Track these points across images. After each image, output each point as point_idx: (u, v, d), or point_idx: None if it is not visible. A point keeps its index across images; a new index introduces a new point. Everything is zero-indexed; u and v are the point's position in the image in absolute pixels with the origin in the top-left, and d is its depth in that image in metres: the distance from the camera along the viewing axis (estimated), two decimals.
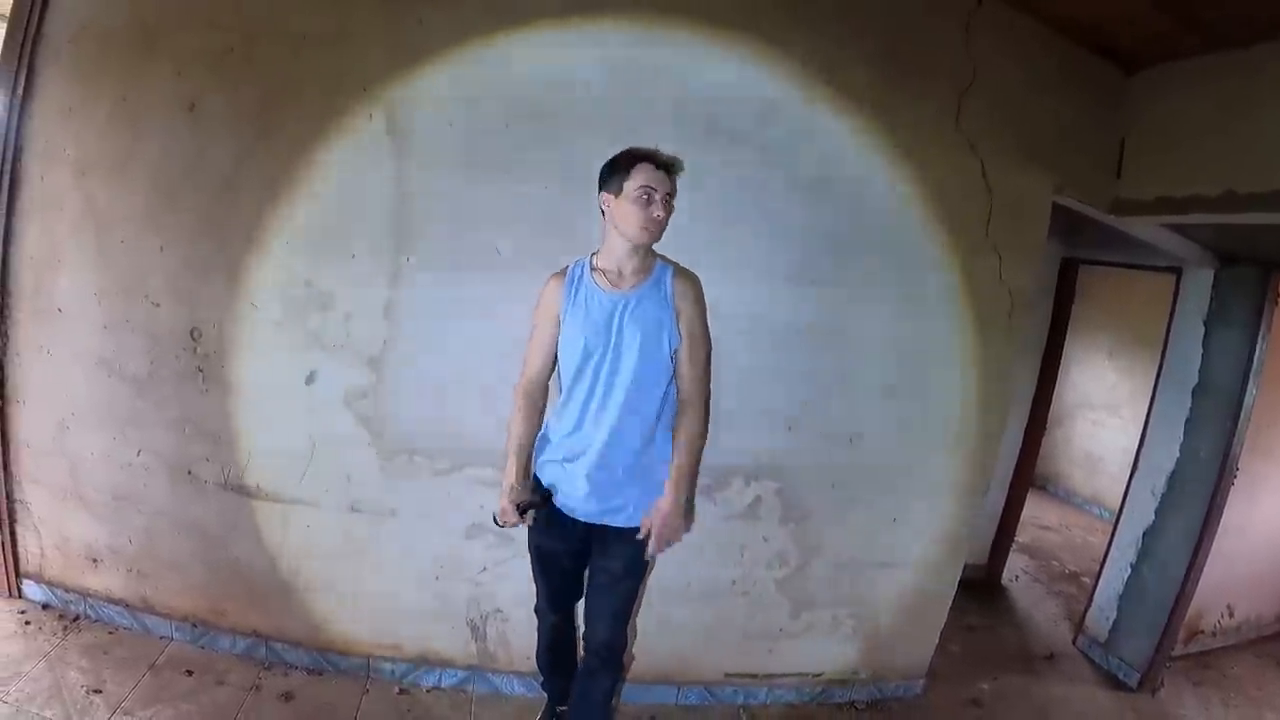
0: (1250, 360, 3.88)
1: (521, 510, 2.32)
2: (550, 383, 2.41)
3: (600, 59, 2.59)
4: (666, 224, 2.24)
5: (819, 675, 3.31)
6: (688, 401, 2.37)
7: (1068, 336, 5.21)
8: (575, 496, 2.31)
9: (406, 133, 2.55)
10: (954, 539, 3.37)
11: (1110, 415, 7.29)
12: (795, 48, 2.70)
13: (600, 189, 2.26)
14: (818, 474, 3.05)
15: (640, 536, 2.32)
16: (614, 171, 2.23)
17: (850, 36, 2.77)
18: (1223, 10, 2.74)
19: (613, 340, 2.24)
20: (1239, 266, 3.94)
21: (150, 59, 2.54)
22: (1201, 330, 4.10)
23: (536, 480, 2.39)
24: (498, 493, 2.33)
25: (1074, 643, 4.46)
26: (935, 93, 2.92)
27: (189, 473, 2.74)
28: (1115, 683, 4.10)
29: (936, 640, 3.51)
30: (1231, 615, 4.74)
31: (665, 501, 2.33)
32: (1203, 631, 4.50)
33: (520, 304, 2.43)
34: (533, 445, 2.39)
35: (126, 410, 2.72)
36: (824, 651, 3.27)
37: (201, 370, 2.65)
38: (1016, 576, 5.36)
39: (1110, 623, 4.30)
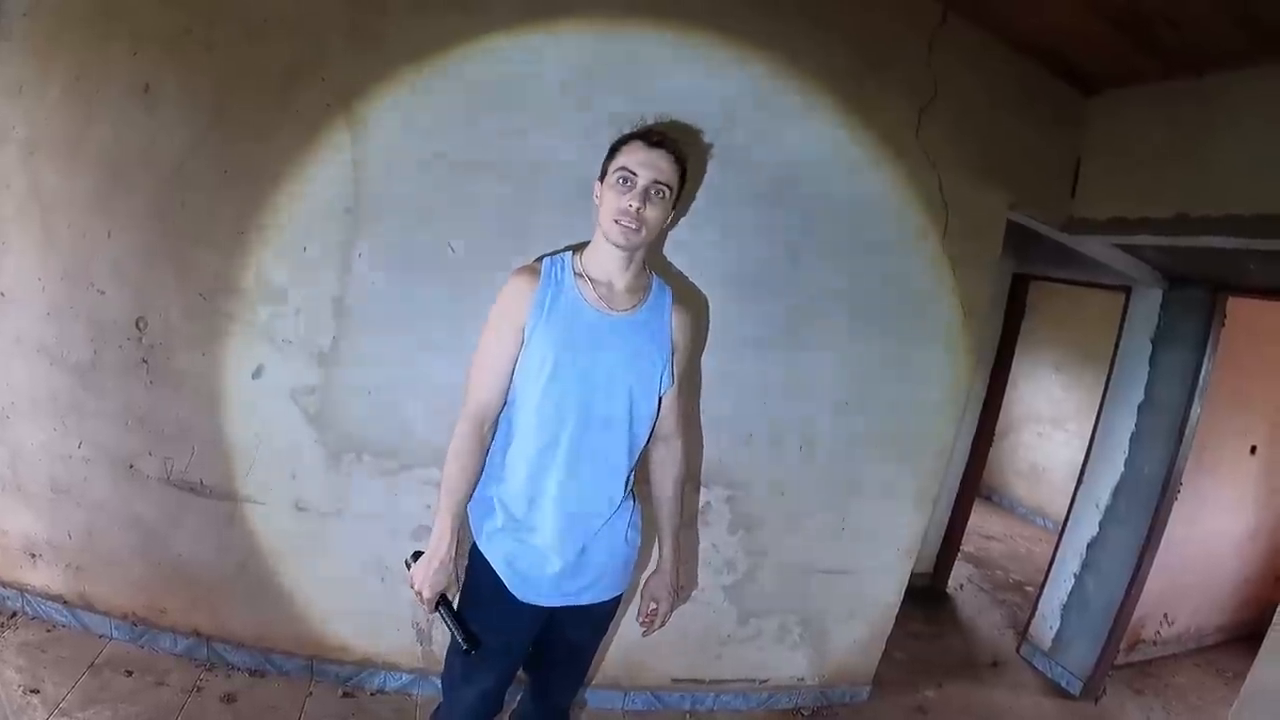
0: (1196, 379, 3.87)
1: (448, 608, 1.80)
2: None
3: (563, 57, 2.47)
4: (655, 226, 1.77)
5: (765, 681, 3.23)
6: (671, 436, 2.00)
7: (1016, 350, 5.20)
8: (542, 579, 1.80)
9: (364, 125, 2.39)
10: (902, 547, 3.31)
11: (1055, 428, 7.33)
12: (760, 54, 2.62)
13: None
14: (768, 482, 2.96)
15: (641, 624, 2.07)
16: (610, 152, 1.83)
17: (814, 46, 2.68)
18: (1180, 36, 2.70)
19: (595, 371, 1.76)
20: (1187, 288, 3.93)
21: (107, 37, 2.37)
22: (1149, 349, 4.10)
23: (476, 555, 1.86)
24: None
25: (1018, 650, 4.44)
26: (896, 106, 2.84)
27: (131, 467, 2.58)
28: (1058, 690, 4.09)
29: (883, 647, 3.45)
30: (1170, 624, 4.75)
31: (669, 578, 2.03)
32: (1144, 640, 4.51)
33: (474, 304, 2.29)
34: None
35: (68, 400, 2.55)
36: (771, 658, 3.19)
37: (146, 361, 2.49)
38: (962, 585, 5.33)
39: (1054, 631, 4.29)
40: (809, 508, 3.05)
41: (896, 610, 3.42)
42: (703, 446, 2.85)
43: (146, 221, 2.43)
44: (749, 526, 2.97)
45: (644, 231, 1.75)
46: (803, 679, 3.29)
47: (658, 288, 1.93)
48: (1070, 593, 4.26)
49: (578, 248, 1.90)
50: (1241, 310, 3.93)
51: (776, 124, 2.67)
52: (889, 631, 3.44)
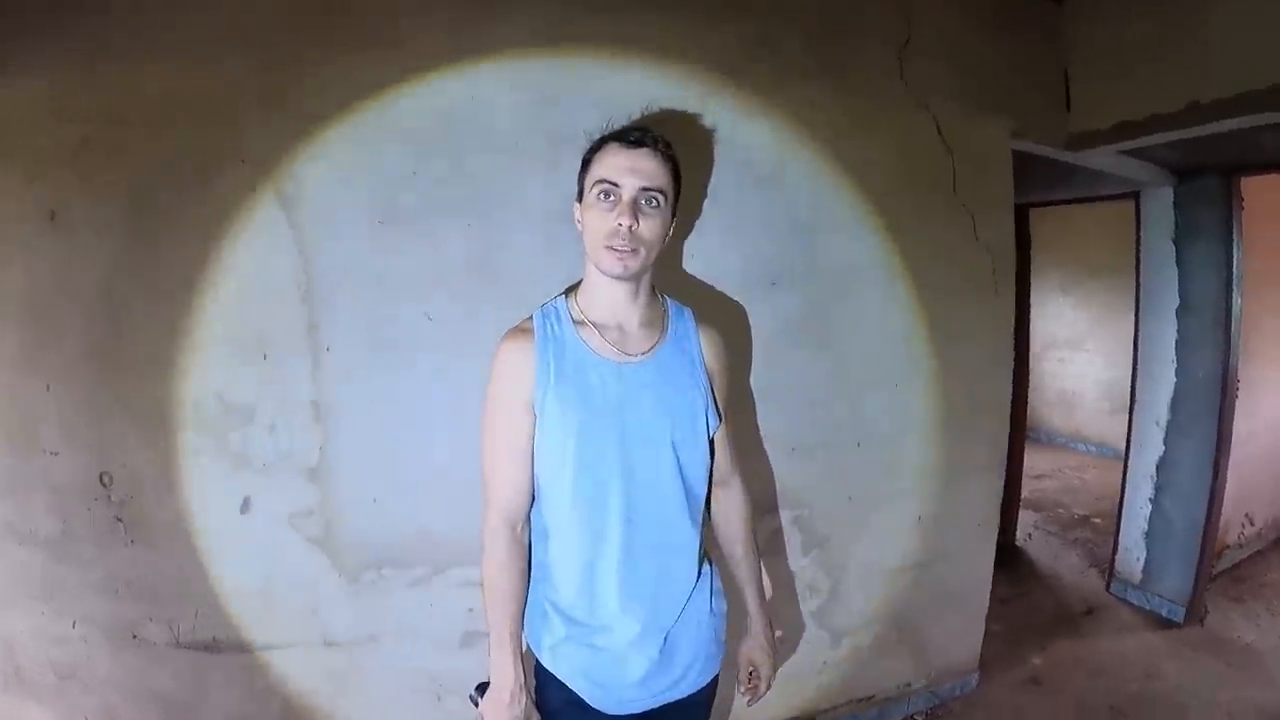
0: (1229, 269, 3.53)
1: None
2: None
3: (509, 85, 2.07)
4: (655, 242, 1.39)
5: (871, 698, 2.81)
6: (728, 477, 1.63)
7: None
8: (626, 684, 1.44)
9: (299, 200, 1.96)
10: (982, 522, 2.92)
11: (1075, 350, 6.98)
12: (724, 27, 2.24)
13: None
14: (831, 490, 2.55)
15: (744, 694, 1.70)
16: (582, 166, 1.46)
17: (778, 7, 2.31)
18: None
19: (630, 435, 1.39)
20: (1198, 178, 3.58)
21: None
22: (1172, 250, 3.75)
23: (542, 672, 1.48)
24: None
25: (1108, 589, 4.05)
26: (875, 55, 2.47)
27: (134, 637, 2.15)
28: (1161, 621, 3.71)
29: (983, 629, 3.05)
30: (1252, 523, 4.40)
31: (763, 637, 1.66)
32: (1229, 546, 4.16)
33: (465, 373, 1.90)
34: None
35: (48, 578, 2.12)
36: (873, 672, 2.77)
37: (120, 520, 2.07)
38: (1030, 534, 4.91)
39: (1141, 563, 3.91)
40: (878, 506, 2.64)
41: (989, 588, 3.02)
42: (773, 473, 2.46)
43: (83, 364, 2.00)
44: (821, 542, 2.55)
45: (642, 252, 1.38)
46: (909, 684, 2.88)
47: (675, 313, 1.55)
48: (1150, 519, 3.88)
49: (570, 290, 1.51)
50: (1251, 189, 3.58)
51: (761, 100, 2.28)
52: (985, 612, 3.03)
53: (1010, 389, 2.90)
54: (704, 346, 1.54)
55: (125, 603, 2.14)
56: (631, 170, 1.36)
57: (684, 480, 1.45)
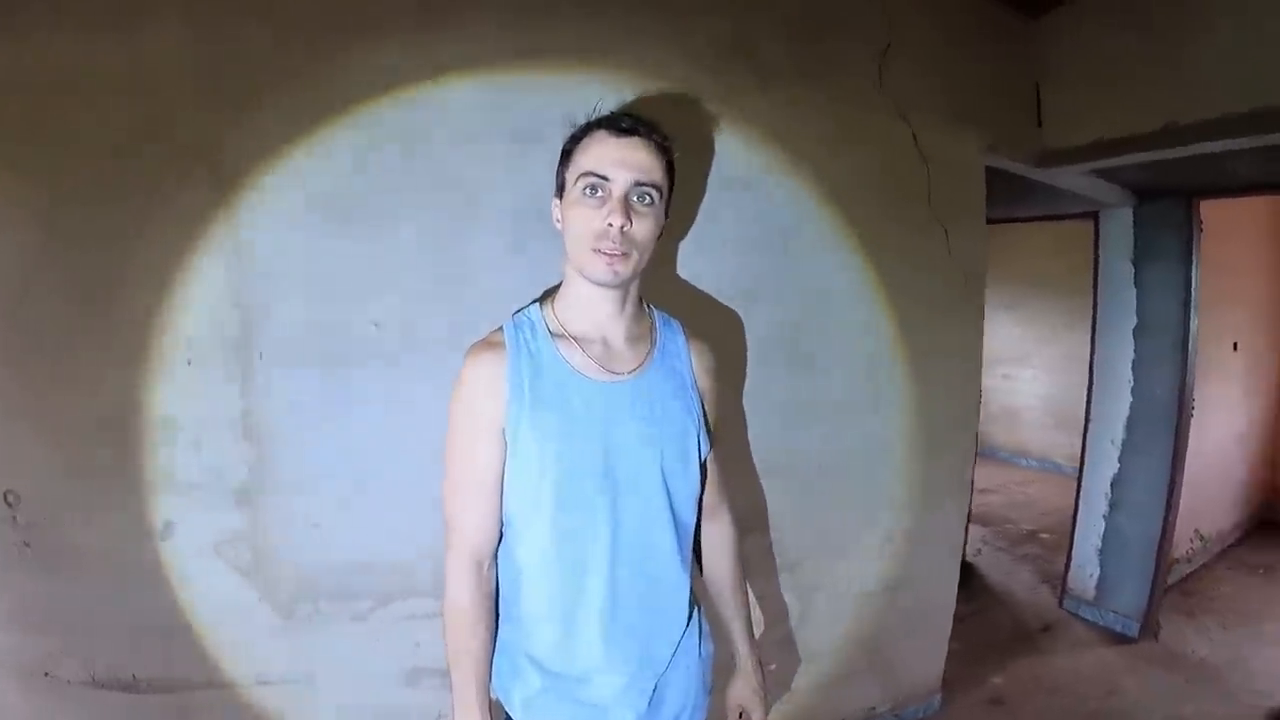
0: (1188, 290, 3.49)
1: None
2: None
3: (471, 76, 1.86)
4: (647, 245, 1.21)
5: None
6: (717, 507, 1.47)
7: None
8: None
9: (235, 191, 1.71)
10: (949, 543, 2.81)
11: (1020, 367, 7.02)
12: (696, 33, 2.07)
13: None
14: (803, 513, 2.39)
15: None
16: (561, 158, 1.26)
17: (757, 9, 2.15)
18: None
19: (616, 464, 1.21)
20: (1160, 200, 3.52)
21: None
22: (1131, 270, 3.70)
23: None
24: (438, 627, 1.53)
25: (1061, 605, 3.99)
26: (856, 61, 2.33)
27: (46, 674, 1.89)
28: (1116, 637, 3.66)
29: (945, 651, 2.93)
30: (1201, 538, 4.42)
31: (755, 680, 1.49)
32: (1178, 561, 4.14)
33: (415, 390, 1.74)
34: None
35: None
36: (839, 696, 2.62)
37: (29, 545, 1.80)
38: (979, 550, 4.83)
39: (1095, 579, 3.85)
40: (849, 528, 2.50)
41: (953, 609, 2.90)
42: (764, 496, 2.30)
43: None
44: (792, 566, 2.39)
45: (634, 256, 1.20)
46: (874, 708, 2.74)
47: (664, 326, 1.37)
48: (1104, 535, 3.83)
49: (545, 298, 1.32)
50: (1208, 212, 3.55)
51: (737, 99, 2.12)
52: (949, 632, 2.92)
53: (977, 414, 2.81)
54: (695, 363, 1.37)
55: (35, 637, 1.88)
56: (622, 162, 1.17)
57: (674, 513, 1.27)
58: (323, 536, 1.85)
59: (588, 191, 1.18)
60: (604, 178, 1.17)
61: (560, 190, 1.26)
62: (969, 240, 2.67)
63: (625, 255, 1.18)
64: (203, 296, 1.73)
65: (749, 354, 2.21)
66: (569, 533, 1.20)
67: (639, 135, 1.20)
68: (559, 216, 1.26)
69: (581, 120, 1.26)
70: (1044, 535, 5.11)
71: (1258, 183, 3.26)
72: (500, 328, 1.27)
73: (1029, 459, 6.93)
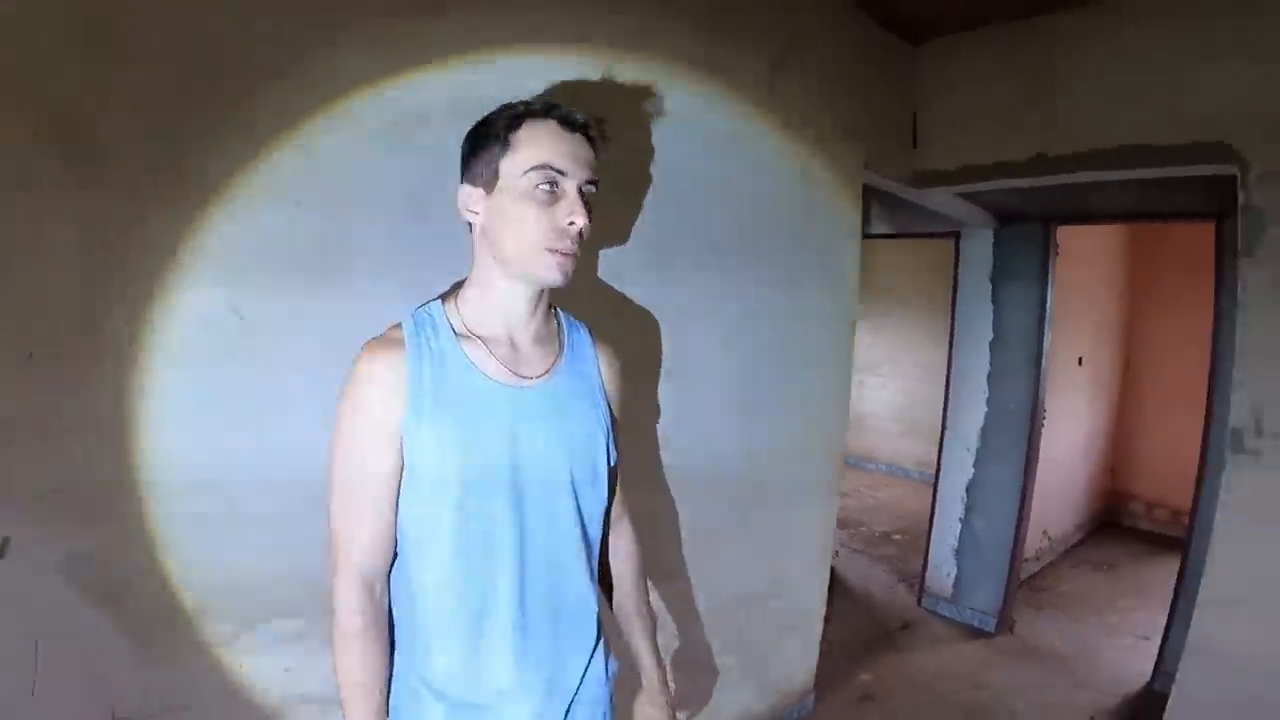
0: (1043, 308, 3.73)
1: None
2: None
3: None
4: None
5: None
6: (621, 517, 1.43)
7: None
8: None
9: (89, 149, 1.40)
10: (818, 549, 2.88)
11: (869, 375, 7.35)
12: (600, 25, 2.01)
13: (462, 179, 1.17)
14: (678, 519, 2.36)
15: None
16: (483, 142, 1.13)
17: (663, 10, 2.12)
18: None
19: (524, 474, 1.13)
20: (1019, 224, 3.74)
21: None
22: (989, 288, 3.92)
23: None
24: (309, 650, 1.41)
25: (919, 604, 4.19)
26: (752, 70, 2.35)
27: None
28: (974, 632, 3.87)
29: (818, 652, 3.01)
30: (1049, 538, 4.74)
31: (663, 698, 1.42)
32: (1028, 559, 4.40)
33: (289, 382, 1.56)
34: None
35: None
36: (718, 704, 2.64)
37: None
38: (837, 552, 4.99)
39: (952, 578, 4.06)
40: (725, 536, 2.50)
41: (824, 611, 2.98)
42: (675, 505, 2.28)
43: None
44: (668, 575, 2.39)
45: (579, 256, 1.15)
46: (751, 712, 2.78)
47: (569, 328, 1.30)
48: (960, 537, 4.04)
49: (447, 295, 1.22)
50: (1063, 236, 3.83)
51: (632, 102, 2.08)
52: (820, 634, 3.00)
53: (846, 419, 2.90)
54: (603, 368, 1.31)
55: None
56: (575, 158, 1.11)
57: (583, 527, 1.21)
58: (182, 554, 1.69)
59: (545, 187, 1.09)
60: (562, 172, 1.09)
61: (487, 180, 1.12)
62: (844, 253, 2.76)
63: (576, 256, 1.13)
64: (45, 274, 1.52)
65: (629, 360, 2.18)
66: (473, 549, 1.11)
67: (589, 131, 1.14)
68: (478, 207, 1.14)
69: (506, 102, 1.16)
70: (897, 537, 5.36)
71: (1110, 212, 3.54)
72: (398, 324, 1.15)
73: (877, 464, 7.26)
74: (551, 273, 1.12)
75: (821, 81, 2.57)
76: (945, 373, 4.17)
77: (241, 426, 1.65)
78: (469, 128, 1.19)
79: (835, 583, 4.31)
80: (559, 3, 1.91)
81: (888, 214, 4.34)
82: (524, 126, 1.11)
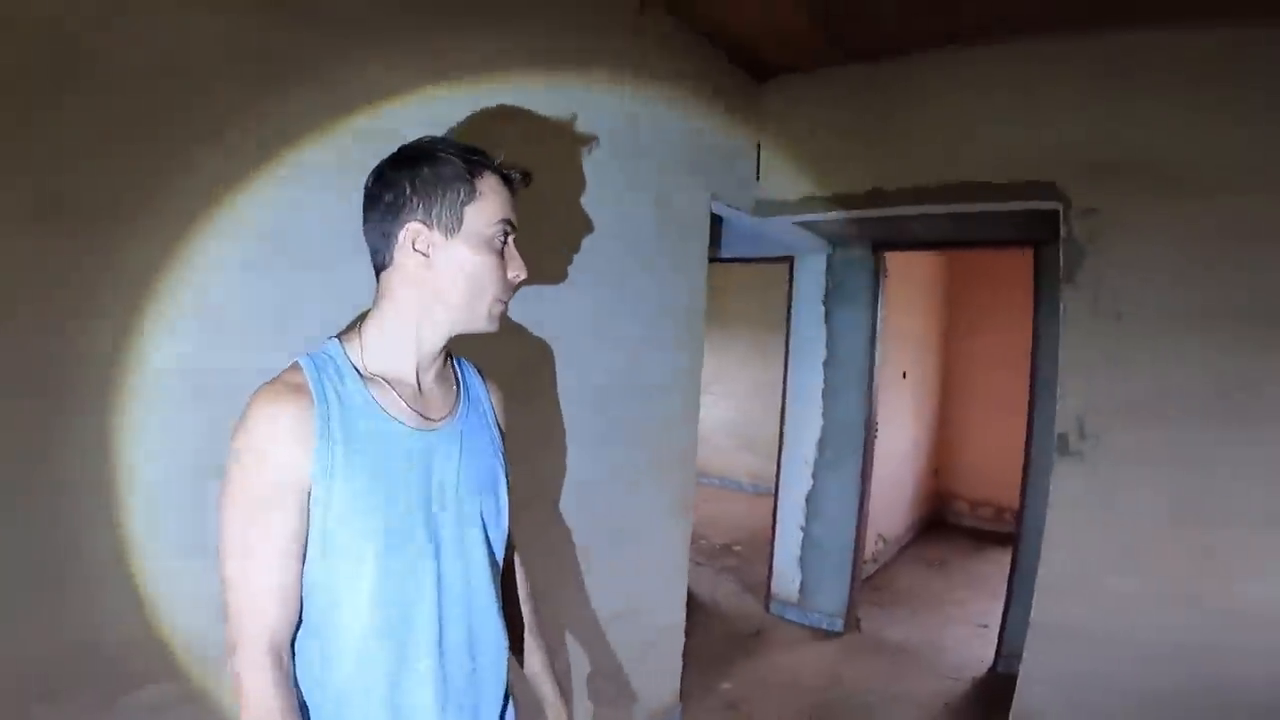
0: (873, 328, 3.99)
1: None
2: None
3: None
4: None
5: None
6: (513, 549, 1.37)
7: None
8: None
9: None
10: (675, 566, 2.96)
11: (703, 392, 7.50)
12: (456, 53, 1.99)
13: (401, 212, 1.06)
14: (542, 546, 2.35)
15: None
16: (443, 183, 1.05)
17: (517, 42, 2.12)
18: (873, 26, 2.71)
19: (442, 525, 1.09)
20: (851, 249, 4.01)
21: None
22: (822, 310, 4.17)
23: None
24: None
25: (768, 610, 4.36)
26: (605, 103, 2.40)
27: None
28: (823, 633, 4.09)
29: (680, 665, 3.07)
30: (884, 541, 5.05)
31: None
32: (866, 561, 4.65)
33: (152, 417, 1.38)
34: None
35: None
36: None
37: None
38: None
39: (798, 584, 4.26)
40: (586, 558, 2.51)
41: (683, 627, 3.06)
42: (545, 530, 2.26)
43: None
44: (540, 599, 2.37)
45: None
46: None
47: (461, 367, 1.26)
48: (802, 544, 4.25)
49: (344, 334, 1.13)
50: (890, 261, 4.14)
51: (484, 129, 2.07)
52: (682, 648, 3.07)
53: (695, 439, 3.01)
54: (495, 403, 1.29)
55: None
56: (516, 210, 1.12)
57: (492, 561, 1.17)
58: (29, 616, 1.43)
59: (501, 239, 1.10)
60: (515, 227, 1.11)
61: (449, 220, 1.07)
62: (692, 279, 2.86)
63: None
64: None
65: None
66: (393, 603, 1.04)
67: (525, 184, 1.16)
68: (427, 250, 1.06)
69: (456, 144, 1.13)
70: (737, 548, 5.56)
71: (938, 239, 3.87)
72: (296, 366, 1.04)
73: (710, 477, 7.48)
74: (494, 322, 1.12)
75: (673, 115, 2.66)
76: (777, 389, 4.39)
77: (89, 469, 1.48)
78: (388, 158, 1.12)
79: (687, 597, 4.45)
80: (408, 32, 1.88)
81: (725, 239, 4.53)
82: (486, 175, 1.09)
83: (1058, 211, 2.66)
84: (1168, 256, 2.52)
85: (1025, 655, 2.76)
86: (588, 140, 2.34)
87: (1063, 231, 2.64)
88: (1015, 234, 3.45)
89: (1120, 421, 2.60)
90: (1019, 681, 2.77)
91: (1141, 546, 2.58)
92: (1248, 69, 2.39)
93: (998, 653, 3.59)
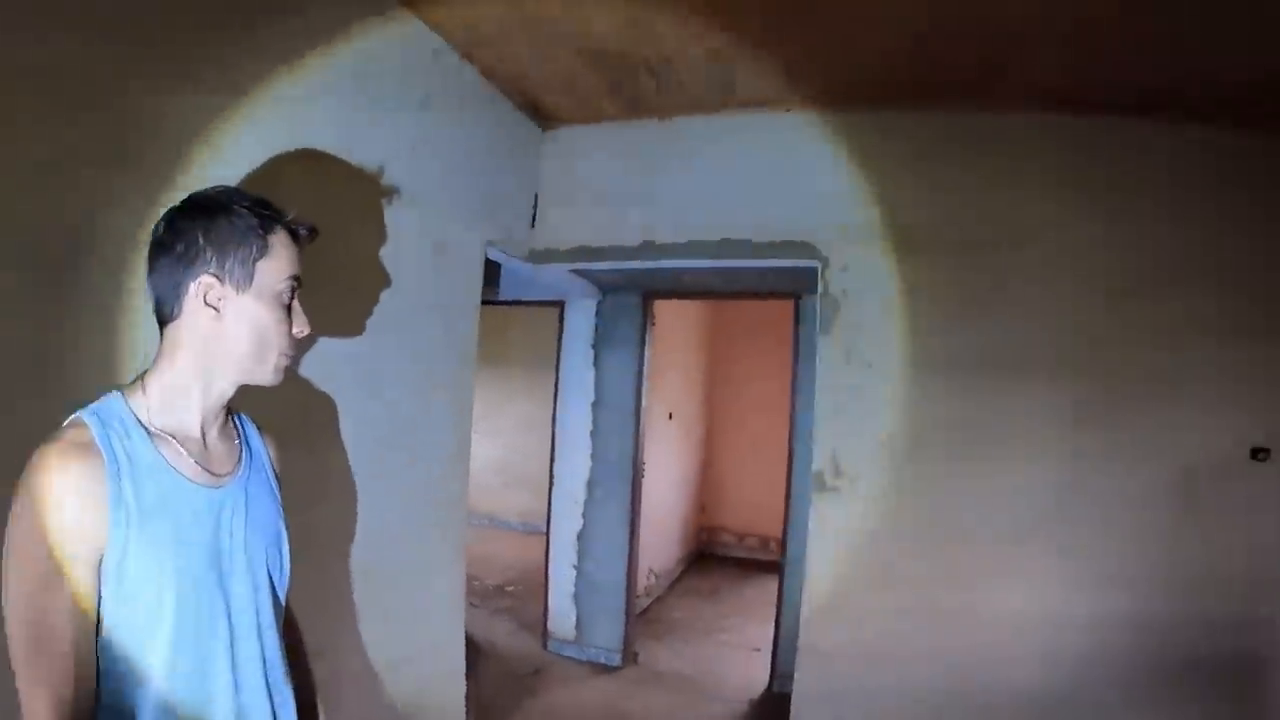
0: (640, 373, 4.17)
1: None
2: None
3: None
4: None
5: None
6: (288, 604, 1.27)
7: None
8: None
9: None
10: (452, 612, 2.92)
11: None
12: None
13: (194, 264, 1.02)
14: (313, 598, 2.23)
15: None
16: (235, 237, 1.03)
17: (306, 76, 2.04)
18: (658, 84, 2.88)
19: (229, 582, 1.04)
20: (620, 296, 4.19)
21: None
22: (592, 353, 4.32)
23: None
24: None
25: (545, 649, 4.39)
26: (386, 146, 2.38)
27: None
28: (602, 668, 4.17)
29: (464, 712, 3.01)
30: (655, 575, 5.23)
31: None
32: (639, 596, 4.80)
33: None
34: None
35: None
36: None
37: None
38: None
39: (574, 621, 4.33)
40: (358, 609, 2.42)
41: (464, 674, 3.01)
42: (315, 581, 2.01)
43: None
44: (313, 655, 2.23)
45: None
46: None
47: (240, 421, 1.22)
48: (576, 582, 4.32)
49: (126, 389, 1.05)
50: (658, 308, 4.40)
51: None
52: (464, 694, 3.01)
53: (466, 481, 3.00)
54: (273, 453, 1.25)
55: None
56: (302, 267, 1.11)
57: (277, 617, 1.13)
58: None
59: (290, 295, 1.09)
60: (301, 284, 1.10)
61: (241, 274, 1.04)
62: (465, 323, 2.88)
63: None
64: None
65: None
66: (190, 671, 0.98)
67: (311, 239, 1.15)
68: (219, 305, 1.03)
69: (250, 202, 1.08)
70: (510, 588, 5.55)
71: (705, 289, 4.14)
72: (79, 422, 0.96)
73: (479, 517, 7.29)
74: (279, 375, 1.10)
75: (456, 160, 2.70)
76: (547, 427, 4.46)
77: None
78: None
79: (464, 639, 4.37)
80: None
81: (493, 281, 4.57)
82: (277, 230, 1.07)
83: (817, 268, 2.97)
84: (913, 311, 2.90)
85: (796, 675, 2.99)
86: (387, 192, 2.34)
87: (820, 287, 2.96)
88: (778, 286, 3.75)
89: (871, 459, 2.93)
90: (793, 700, 2.99)
91: (895, 569, 2.90)
92: (981, 146, 2.86)
93: (772, 674, 3.86)
